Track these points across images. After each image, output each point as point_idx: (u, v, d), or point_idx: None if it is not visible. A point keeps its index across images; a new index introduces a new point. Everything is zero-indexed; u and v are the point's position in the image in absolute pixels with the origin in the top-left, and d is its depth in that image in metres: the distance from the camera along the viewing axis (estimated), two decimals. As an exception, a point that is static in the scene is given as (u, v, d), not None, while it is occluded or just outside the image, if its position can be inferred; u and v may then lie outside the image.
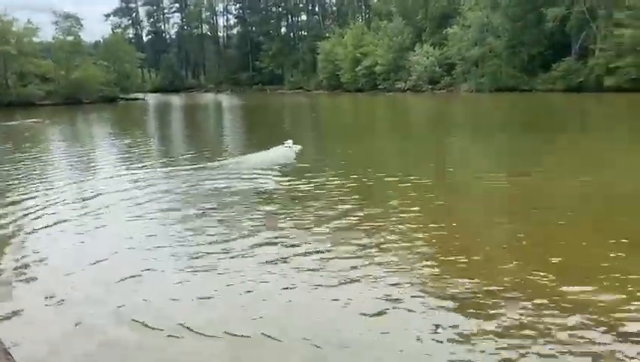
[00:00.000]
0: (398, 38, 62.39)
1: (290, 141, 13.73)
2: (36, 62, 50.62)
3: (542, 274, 5.29)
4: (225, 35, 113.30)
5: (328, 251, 6.13)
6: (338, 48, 71.24)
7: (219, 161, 12.86)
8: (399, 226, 6.99)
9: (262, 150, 13.56)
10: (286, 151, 13.16)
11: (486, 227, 7.18)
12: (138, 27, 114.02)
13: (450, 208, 8.19)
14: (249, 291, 5.16)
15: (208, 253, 6.16)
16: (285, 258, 5.94)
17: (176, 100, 62.16)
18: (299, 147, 13.44)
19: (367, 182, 10.05)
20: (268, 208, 8.26)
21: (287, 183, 10.02)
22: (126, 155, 15.28)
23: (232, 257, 6.03)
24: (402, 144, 16.70)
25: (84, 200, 9.23)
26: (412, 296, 4.93)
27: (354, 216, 7.47)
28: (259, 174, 10.93)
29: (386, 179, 10.32)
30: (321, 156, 14.06)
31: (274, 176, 10.79)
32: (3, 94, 46.60)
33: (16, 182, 11.00)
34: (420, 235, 6.57)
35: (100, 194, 9.57)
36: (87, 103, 50.05)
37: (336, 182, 10.04)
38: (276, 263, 5.82)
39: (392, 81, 62.10)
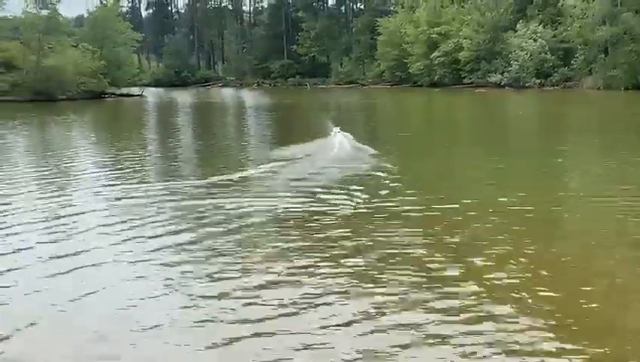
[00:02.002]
0: (492, 14, 61.69)
1: (337, 128, 18.15)
2: (-1, 45, 51.92)
3: None
4: (251, 9, 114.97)
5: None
6: (407, 27, 71.03)
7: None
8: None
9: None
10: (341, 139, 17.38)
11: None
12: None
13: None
14: None
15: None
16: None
17: (183, 98, 62.59)
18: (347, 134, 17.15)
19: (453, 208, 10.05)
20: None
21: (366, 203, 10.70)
22: (112, 173, 14.76)
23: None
24: (503, 164, 15.84)
25: (52, 231, 9.10)
26: None
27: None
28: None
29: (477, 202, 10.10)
30: (394, 174, 13.48)
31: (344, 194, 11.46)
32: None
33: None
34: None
35: (76, 228, 9.25)
36: (63, 100, 50.82)
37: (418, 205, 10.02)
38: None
39: (483, 73, 61.45)
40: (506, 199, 10.76)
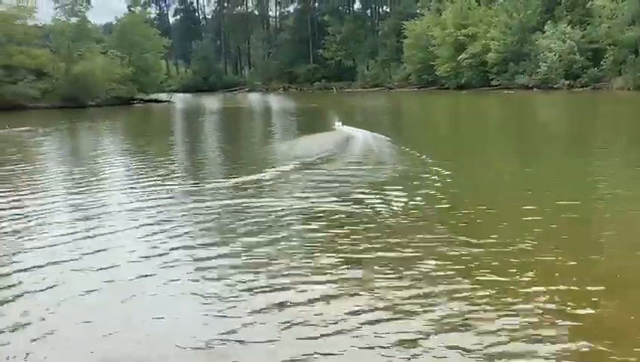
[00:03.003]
0: (520, 15, 61.24)
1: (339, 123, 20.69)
2: (30, 53, 52.42)
3: None
4: (277, 14, 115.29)
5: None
6: (434, 29, 70.89)
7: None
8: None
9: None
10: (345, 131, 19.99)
11: None
12: (163, 4, 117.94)
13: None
14: None
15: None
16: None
17: (211, 103, 62.87)
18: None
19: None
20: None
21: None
22: (145, 181, 14.75)
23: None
24: (544, 167, 15.51)
25: (85, 237, 8.96)
26: None
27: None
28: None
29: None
30: (434, 175, 13.25)
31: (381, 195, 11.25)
32: (-14, 94, 48.45)
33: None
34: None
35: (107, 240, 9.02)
36: (92, 106, 51.32)
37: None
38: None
39: (511, 75, 61.05)
40: (556, 202, 10.44)
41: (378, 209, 10.13)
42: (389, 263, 7.24)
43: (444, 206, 10.50)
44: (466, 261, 7.22)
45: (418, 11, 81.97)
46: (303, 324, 5.62)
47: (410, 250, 7.74)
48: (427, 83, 73.89)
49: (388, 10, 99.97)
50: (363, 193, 11.59)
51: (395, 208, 10.15)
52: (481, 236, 8.28)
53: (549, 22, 59.20)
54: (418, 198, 10.93)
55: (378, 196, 11.22)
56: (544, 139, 23.76)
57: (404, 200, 10.80)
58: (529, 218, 9.38)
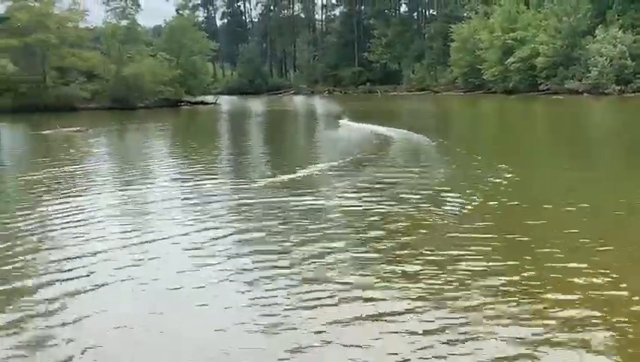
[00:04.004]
0: (570, 19, 60.17)
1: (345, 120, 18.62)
2: (81, 55, 53.42)
3: None
4: (323, 17, 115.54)
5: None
6: (481, 33, 70.23)
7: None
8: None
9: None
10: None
11: None
12: (211, 8, 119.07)
13: None
14: None
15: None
16: None
17: (256, 106, 63.24)
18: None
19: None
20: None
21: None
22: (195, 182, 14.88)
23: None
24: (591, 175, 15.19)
25: (139, 242, 8.91)
26: None
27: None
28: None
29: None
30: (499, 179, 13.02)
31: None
32: (40, 95, 49.43)
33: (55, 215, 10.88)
34: None
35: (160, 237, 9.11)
36: (141, 108, 52.03)
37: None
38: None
39: (560, 79, 59.96)
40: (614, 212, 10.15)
41: (433, 211, 10.10)
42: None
43: (507, 216, 10.17)
44: (536, 276, 6.88)
45: (465, 14, 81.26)
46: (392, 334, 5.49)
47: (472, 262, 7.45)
48: (474, 87, 73.20)
49: (434, 13, 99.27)
50: (413, 195, 11.59)
51: (450, 212, 10.08)
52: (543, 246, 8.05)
53: (599, 26, 57.99)
54: (476, 202, 10.81)
55: (431, 198, 11.22)
56: (599, 144, 23.30)
57: (460, 202, 10.76)
58: (584, 221, 9.26)
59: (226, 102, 68.39)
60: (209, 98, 64.05)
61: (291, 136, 30.96)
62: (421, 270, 7.16)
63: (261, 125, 39.46)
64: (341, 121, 22.94)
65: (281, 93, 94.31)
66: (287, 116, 47.41)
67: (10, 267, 7.66)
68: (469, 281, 6.69)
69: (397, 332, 5.50)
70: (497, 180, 12.96)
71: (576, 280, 6.69)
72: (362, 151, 19.75)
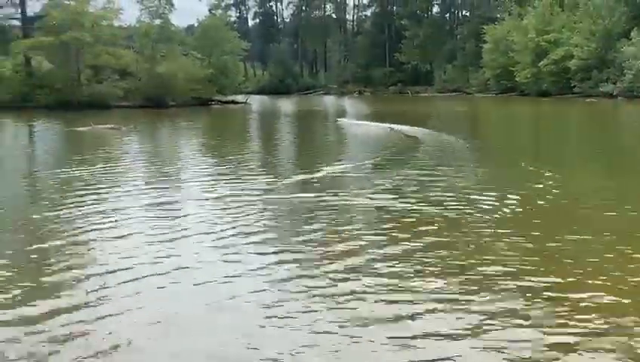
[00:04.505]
0: (605, 21, 59.44)
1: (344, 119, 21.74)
2: (115, 53, 54.03)
3: None
4: (355, 18, 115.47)
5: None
6: (515, 34, 69.73)
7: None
8: None
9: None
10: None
11: None
12: (243, 8, 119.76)
13: None
14: None
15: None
16: None
17: (286, 105, 63.47)
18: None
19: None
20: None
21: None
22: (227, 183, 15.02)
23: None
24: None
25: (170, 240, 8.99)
26: None
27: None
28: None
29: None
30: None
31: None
32: (74, 93, 50.14)
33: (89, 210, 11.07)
34: None
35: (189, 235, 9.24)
36: (172, 106, 52.44)
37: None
38: None
39: (594, 82, 59.19)
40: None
41: (468, 212, 10.15)
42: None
43: (541, 219, 10.08)
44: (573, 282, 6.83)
45: (498, 16, 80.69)
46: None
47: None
48: (506, 89, 72.64)
49: (467, 14, 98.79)
50: (445, 195, 11.68)
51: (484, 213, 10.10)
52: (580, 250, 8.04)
53: (635, 29, 57.14)
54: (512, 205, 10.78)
55: (464, 199, 11.24)
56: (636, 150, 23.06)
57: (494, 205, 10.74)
58: (621, 228, 9.13)
59: (256, 101, 68.61)
60: (240, 97, 64.20)
61: (320, 136, 31.05)
62: (449, 271, 7.16)
63: (290, 125, 39.58)
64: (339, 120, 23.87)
65: (311, 93, 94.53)
66: (318, 117, 47.44)
67: (54, 260, 7.85)
68: (494, 284, 6.71)
69: (421, 335, 5.51)
70: (535, 185, 12.88)
71: (609, 284, 6.65)
72: (394, 152, 19.82)
